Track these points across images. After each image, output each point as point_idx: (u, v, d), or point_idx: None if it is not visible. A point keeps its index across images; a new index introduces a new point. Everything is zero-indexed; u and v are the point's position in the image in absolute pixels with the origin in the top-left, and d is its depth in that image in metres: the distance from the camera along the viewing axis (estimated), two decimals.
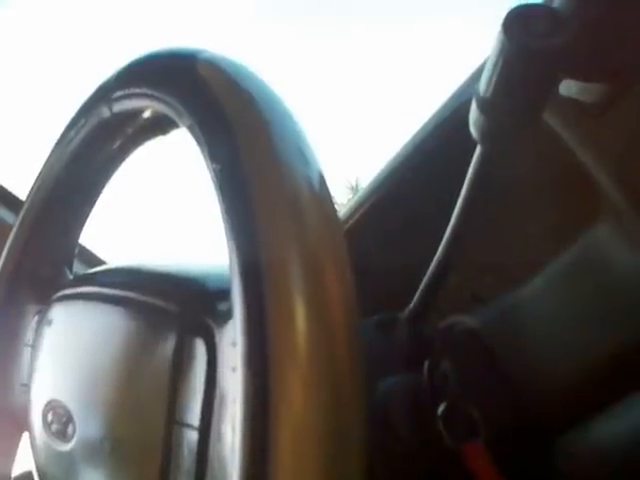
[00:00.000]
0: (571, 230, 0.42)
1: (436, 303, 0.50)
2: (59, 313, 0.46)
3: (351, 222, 0.64)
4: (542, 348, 0.43)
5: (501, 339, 0.45)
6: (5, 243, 0.50)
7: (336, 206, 0.31)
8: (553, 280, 0.44)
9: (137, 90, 0.39)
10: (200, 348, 0.32)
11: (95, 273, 0.48)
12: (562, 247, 0.43)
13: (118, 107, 0.41)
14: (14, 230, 0.50)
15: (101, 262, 0.87)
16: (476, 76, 0.53)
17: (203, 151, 0.32)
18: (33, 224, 0.49)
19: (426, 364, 0.46)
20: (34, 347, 0.47)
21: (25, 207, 0.50)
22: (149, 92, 0.37)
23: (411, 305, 0.51)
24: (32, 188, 0.50)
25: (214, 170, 0.31)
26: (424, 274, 0.49)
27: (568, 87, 0.37)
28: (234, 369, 0.27)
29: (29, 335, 0.48)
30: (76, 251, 0.52)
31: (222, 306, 0.33)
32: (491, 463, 0.41)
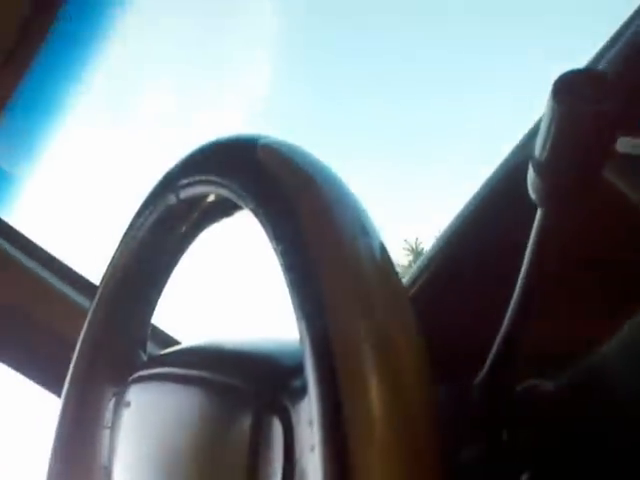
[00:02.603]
0: None
1: (509, 367, 0.49)
2: (136, 394, 0.47)
3: (415, 288, 0.64)
4: (619, 415, 0.41)
5: (580, 404, 0.44)
6: (81, 328, 0.52)
7: (398, 269, 0.32)
8: (629, 344, 0.42)
9: (202, 177, 0.41)
10: (277, 427, 0.33)
11: (169, 354, 0.49)
12: (635, 308, 0.42)
13: (184, 194, 0.43)
14: (89, 315, 0.52)
15: (173, 341, 0.89)
16: (529, 137, 0.53)
17: (267, 232, 0.33)
18: (107, 308, 0.51)
19: (504, 432, 0.45)
20: (113, 429, 0.48)
21: (99, 292, 0.52)
22: (213, 178, 0.39)
23: (484, 371, 0.50)
24: (105, 274, 0.52)
25: (279, 251, 0.32)
26: (494, 338, 0.48)
27: (625, 143, 0.37)
28: (312, 448, 0.27)
29: (107, 417, 0.49)
30: (149, 332, 0.54)
31: (296, 383, 0.33)
32: None
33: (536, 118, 0.52)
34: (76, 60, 0.97)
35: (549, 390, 0.45)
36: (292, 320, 0.31)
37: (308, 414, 0.28)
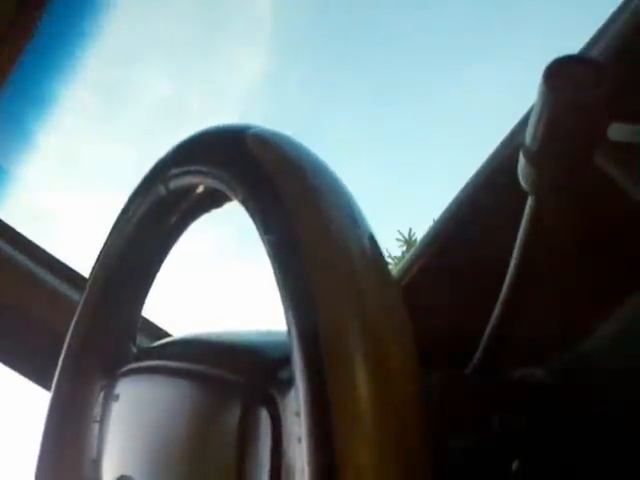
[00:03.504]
0: (634, 276, 0.41)
1: (500, 355, 0.49)
2: (125, 388, 0.46)
3: (408, 278, 0.64)
4: (610, 402, 0.41)
5: (571, 391, 0.44)
6: (71, 320, 0.52)
7: (390, 260, 0.31)
8: (618, 331, 0.42)
9: (191, 167, 0.40)
10: (264, 418, 0.32)
11: (158, 346, 0.49)
12: (625, 296, 0.42)
13: (173, 184, 0.43)
14: (79, 307, 0.52)
15: (163, 333, 0.89)
16: (521, 126, 0.53)
17: (256, 223, 0.33)
18: (97, 300, 0.51)
19: (496, 419, 0.45)
20: (102, 423, 0.48)
21: (89, 284, 0.52)
22: (202, 169, 0.39)
23: (475, 359, 0.50)
24: (95, 265, 0.52)
25: (268, 241, 0.31)
26: (485, 327, 0.48)
27: (616, 130, 0.36)
28: (299, 439, 0.27)
29: (96, 410, 0.49)
30: (139, 324, 0.53)
31: (284, 374, 0.33)
32: None
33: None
34: (68, 51, 0.96)
35: (540, 377, 0.45)
36: (280, 311, 0.30)
37: (295, 405, 0.28)
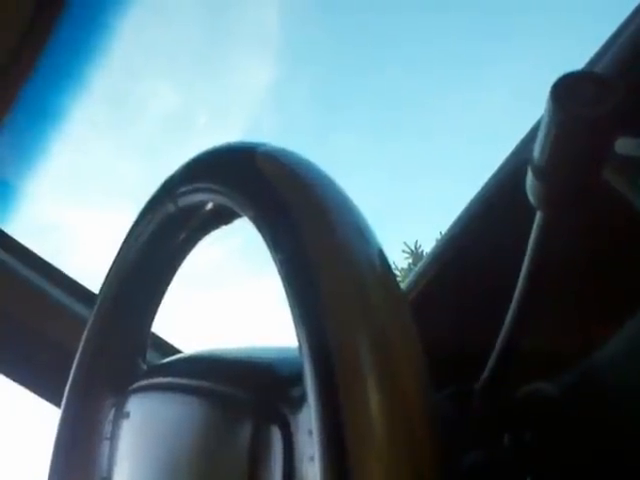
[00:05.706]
0: None
1: (510, 370, 0.48)
2: (136, 405, 0.46)
3: (416, 291, 0.64)
4: (623, 416, 0.41)
5: (581, 406, 0.44)
6: (81, 336, 0.52)
7: (397, 272, 0.31)
8: (628, 345, 0.42)
9: (200, 185, 0.41)
10: (276, 436, 0.32)
11: (168, 363, 0.49)
12: (635, 310, 0.42)
13: (183, 202, 0.43)
14: (89, 324, 0.52)
15: (172, 349, 0.89)
16: (527, 141, 0.53)
17: (267, 241, 0.33)
18: (107, 317, 0.51)
19: (506, 436, 0.44)
20: (112, 440, 0.48)
21: (98, 301, 0.52)
22: (212, 186, 0.39)
23: (485, 374, 0.49)
24: (104, 282, 0.52)
25: (278, 259, 0.31)
26: (495, 341, 0.48)
27: (624, 145, 0.36)
28: (312, 458, 0.27)
29: (107, 428, 0.49)
30: (148, 341, 0.53)
31: (295, 392, 0.33)
32: None
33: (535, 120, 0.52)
34: (76, 66, 0.97)
35: (551, 392, 0.45)
36: (292, 329, 0.31)
37: (307, 423, 0.28)
